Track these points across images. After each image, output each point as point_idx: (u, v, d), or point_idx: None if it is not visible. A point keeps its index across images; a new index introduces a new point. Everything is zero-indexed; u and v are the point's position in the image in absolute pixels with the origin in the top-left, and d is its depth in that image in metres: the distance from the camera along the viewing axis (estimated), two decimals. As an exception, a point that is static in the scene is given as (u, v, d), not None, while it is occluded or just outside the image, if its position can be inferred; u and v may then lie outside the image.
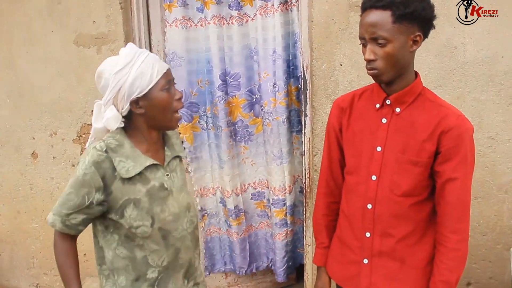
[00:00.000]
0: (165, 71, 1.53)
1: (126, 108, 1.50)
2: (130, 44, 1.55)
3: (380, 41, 1.39)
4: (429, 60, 2.34)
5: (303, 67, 2.53)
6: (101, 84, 1.52)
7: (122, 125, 1.54)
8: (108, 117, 1.50)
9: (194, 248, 1.71)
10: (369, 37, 1.40)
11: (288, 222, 2.86)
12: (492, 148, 2.34)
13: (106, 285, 1.61)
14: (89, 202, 1.48)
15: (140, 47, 2.77)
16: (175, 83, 1.60)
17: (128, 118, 1.56)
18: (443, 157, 1.46)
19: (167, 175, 1.60)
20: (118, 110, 1.51)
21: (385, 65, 1.41)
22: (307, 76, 2.51)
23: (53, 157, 3.03)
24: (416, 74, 1.52)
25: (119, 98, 1.49)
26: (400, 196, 1.51)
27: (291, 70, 2.75)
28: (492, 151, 2.34)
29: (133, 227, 1.52)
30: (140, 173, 1.53)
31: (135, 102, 1.50)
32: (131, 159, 1.53)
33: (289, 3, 2.67)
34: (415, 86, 1.50)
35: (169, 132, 1.70)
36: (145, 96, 1.50)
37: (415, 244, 1.56)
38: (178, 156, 1.70)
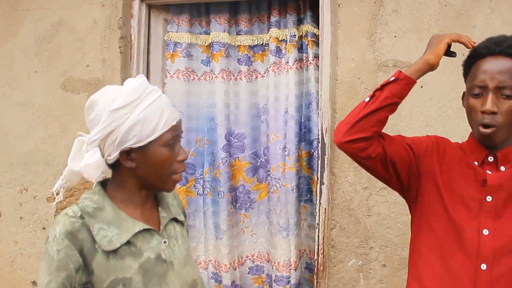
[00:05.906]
0: (174, 123, 1.23)
1: (113, 156, 1.19)
2: (141, 77, 1.25)
3: (507, 92, 1.25)
4: None
5: (321, 130, 2.29)
6: (90, 117, 1.20)
7: (102, 177, 1.24)
8: (88, 162, 1.18)
9: None
10: (494, 86, 1.26)
11: (293, 302, 2.52)
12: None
13: None
14: None
15: (137, 97, 2.51)
16: (182, 137, 1.30)
17: (114, 169, 1.24)
18: None
19: (165, 242, 1.26)
20: (103, 155, 1.20)
21: (506, 121, 1.26)
22: (326, 139, 2.27)
23: (20, 217, 2.66)
24: None
25: (108, 142, 1.18)
26: None
27: (303, 133, 2.53)
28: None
29: None
30: (128, 243, 1.19)
31: (126, 152, 1.19)
32: (115, 226, 1.20)
33: (304, 61, 2.49)
34: None
35: None
36: (140, 148, 1.19)
37: None
38: (178, 220, 1.36)
